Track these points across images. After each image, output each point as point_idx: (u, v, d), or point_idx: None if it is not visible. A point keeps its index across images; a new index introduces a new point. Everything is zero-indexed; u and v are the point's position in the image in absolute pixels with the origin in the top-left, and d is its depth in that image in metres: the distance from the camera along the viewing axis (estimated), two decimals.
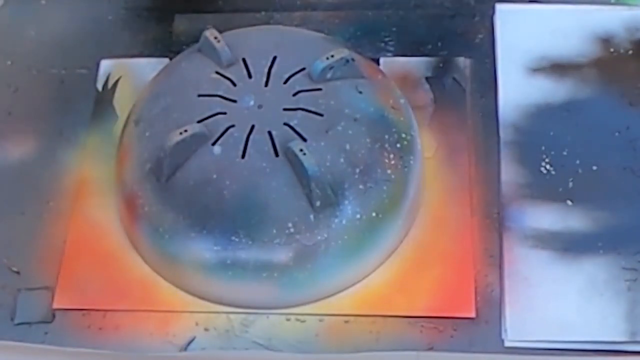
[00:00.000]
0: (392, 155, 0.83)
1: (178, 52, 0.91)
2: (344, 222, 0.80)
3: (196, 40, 0.88)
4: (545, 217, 0.85)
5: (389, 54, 0.95)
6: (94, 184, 0.89)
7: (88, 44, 0.98)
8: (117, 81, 0.95)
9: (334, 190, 0.79)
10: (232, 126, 0.82)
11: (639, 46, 0.93)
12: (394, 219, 0.82)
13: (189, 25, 0.97)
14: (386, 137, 0.83)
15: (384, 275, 0.83)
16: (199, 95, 0.84)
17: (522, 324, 0.80)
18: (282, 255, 0.79)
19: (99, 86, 0.95)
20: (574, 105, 0.90)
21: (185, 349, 0.81)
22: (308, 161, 0.78)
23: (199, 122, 0.82)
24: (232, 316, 0.82)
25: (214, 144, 0.81)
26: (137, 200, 0.83)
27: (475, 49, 0.95)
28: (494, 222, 0.85)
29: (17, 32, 1.00)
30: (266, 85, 0.84)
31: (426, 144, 0.88)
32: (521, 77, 0.92)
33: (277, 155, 0.80)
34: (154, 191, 0.82)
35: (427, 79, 0.93)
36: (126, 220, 0.85)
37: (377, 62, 0.93)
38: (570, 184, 0.86)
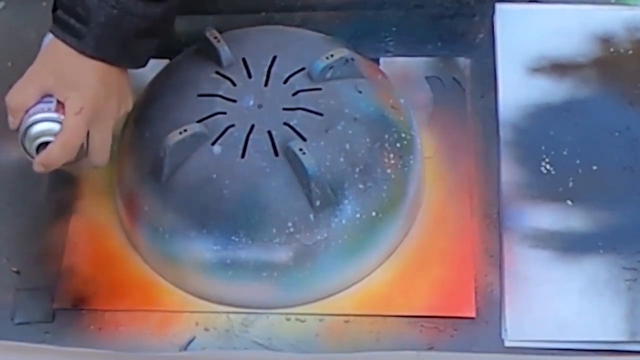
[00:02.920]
0: (392, 155, 0.83)
1: (178, 52, 0.91)
2: (343, 221, 0.80)
3: (196, 40, 0.88)
4: (545, 217, 0.85)
5: (389, 54, 0.95)
6: (94, 184, 0.89)
7: None
8: None
9: (333, 190, 0.79)
10: (232, 126, 0.82)
11: (639, 46, 0.94)
12: (394, 218, 0.82)
13: (189, 25, 0.97)
14: (386, 136, 0.83)
15: (384, 275, 0.83)
16: (199, 95, 0.84)
17: (522, 323, 0.80)
18: (282, 255, 0.79)
19: None
20: (574, 105, 0.90)
21: (185, 349, 0.81)
22: (308, 161, 0.78)
23: (198, 121, 0.82)
24: (232, 316, 0.82)
25: (213, 143, 0.81)
26: (137, 200, 0.83)
27: (475, 49, 0.95)
28: (494, 222, 0.85)
29: (18, 34, 1.00)
30: (266, 85, 0.84)
31: (426, 144, 0.88)
32: (521, 77, 0.92)
33: (277, 155, 0.80)
34: (154, 191, 0.82)
35: (427, 79, 0.93)
36: (126, 220, 0.85)
37: (377, 62, 0.93)
38: (570, 184, 0.86)
